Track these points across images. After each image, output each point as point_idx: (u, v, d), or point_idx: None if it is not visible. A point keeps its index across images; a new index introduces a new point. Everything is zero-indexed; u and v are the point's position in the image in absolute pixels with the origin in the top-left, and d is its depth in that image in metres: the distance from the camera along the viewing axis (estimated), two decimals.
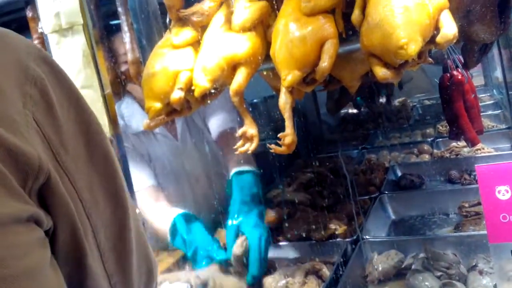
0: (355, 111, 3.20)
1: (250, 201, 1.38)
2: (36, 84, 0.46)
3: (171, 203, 1.54)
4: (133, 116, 1.58)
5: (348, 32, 1.04)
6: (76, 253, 0.47)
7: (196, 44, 1.12)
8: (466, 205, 1.43)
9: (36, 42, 1.15)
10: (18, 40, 0.49)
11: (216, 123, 1.65)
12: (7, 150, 0.40)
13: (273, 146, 1.09)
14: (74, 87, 0.52)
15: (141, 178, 1.53)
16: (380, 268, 1.24)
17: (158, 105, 1.10)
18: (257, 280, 1.28)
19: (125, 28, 1.14)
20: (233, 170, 1.46)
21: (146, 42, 1.15)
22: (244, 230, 1.30)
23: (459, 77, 1.60)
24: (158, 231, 1.47)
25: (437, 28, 0.90)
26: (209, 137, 1.70)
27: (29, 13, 1.14)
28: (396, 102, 3.24)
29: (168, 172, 1.64)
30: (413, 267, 1.20)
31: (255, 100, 2.82)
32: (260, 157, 1.73)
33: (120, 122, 1.57)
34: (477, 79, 2.95)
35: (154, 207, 1.51)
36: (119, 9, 1.12)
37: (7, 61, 0.46)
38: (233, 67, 1.07)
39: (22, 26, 1.26)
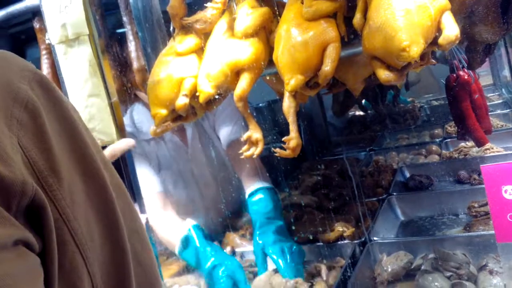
0: (362, 113, 3.20)
1: (266, 220, 1.41)
2: (27, 107, 0.44)
3: (180, 209, 1.55)
4: (144, 123, 1.60)
5: (350, 35, 1.05)
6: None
7: (199, 51, 1.14)
8: (476, 205, 1.42)
9: (43, 52, 1.18)
10: (13, 61, 0.48)
11: (226, 133, 1.67)
12: None
13: (278, 150, 1.10)
14: (71, 114, 0.50)
15: (149, 185, 1.55)
16: (389, 269, 1.23)
17: (163, 111, 1.11)
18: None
19: (130, 37, 1.16)
20: (248, 191, 1.50)
21: (151, 50, 1.17)
22: (267, 251, 1.34)
23: (466, 77, 1.59)
24: (164, 239, 1.48)
25: (439, 30, 0.90)
26: (218, 144, 1.72)
27: (36, 25, 1.16)
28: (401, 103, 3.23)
29: (177, 177, 1.66)
30: (422, 267, 1.19)
31: (260, 104, 2.83)
32: (266, 161, 1.74)
33: (131, 128, 1.60)
34: (486, 79, 2.92)
35: (162, 215, 1.52)
36: (124, 19, 1.14)
37: None
38: (237, 73, 1.09)
39: (30, 37, 1.29)
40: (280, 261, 1.29)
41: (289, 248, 1.32)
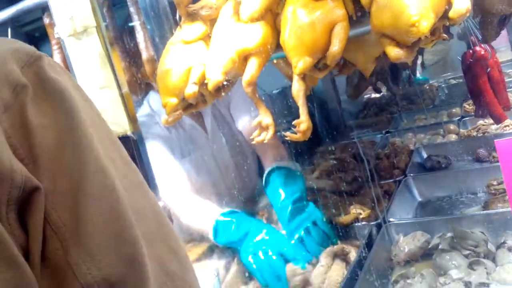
0: (377, 95, 3.14)
1: (283, 200, 1.39)
2: (15, 90, 0.42)
3: (204, 195, 1.57)
4: (162, 110, 1.62)
5: (358, 13, 1.03)
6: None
7: (207, 38, 1.14)
8: (495, 183, 1.39)
9: (55, 47, 1.20)
10: (13, 45, 0.45)
11: (243, 118, 1.68)
12: None
13: (288, 133, 1.10)
14: (75, 108, 0.44)
15: (174, 172, 1.57)
16: (406, 250, 1.23)
17: (174, 100, 1.13)
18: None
19: (138, 27, 1.17)
20: (266, 170, 1.50)
21: (159, 40, 1.18)
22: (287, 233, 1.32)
23: (482, 53, 1.54)
24: (194, 225, 1.46)
25: (449, 3, 0.87)
26: (235, 127, 1.74)
27: (46, 20, 1.18)
28: (420, 83, 3.15)
29: (198, 163, 1.68)
30: (440, 247, 1.18)
31: (274, 91, 2.81)
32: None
33: (152, 116, 1.61)
34: (505, 54, 2.81)
35: (191, 202, 1.51)
36: (131, 9, 1.15)
37: None
38: (244, 58, 1.08)
39: (44, 35, 1.31)
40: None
41: (306, 231, 1.30)
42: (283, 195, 1.40)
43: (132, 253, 0.42)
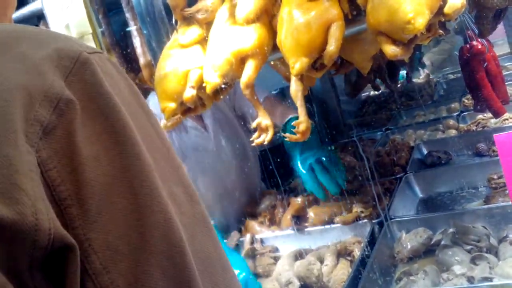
0: (376, 93, 3.14)
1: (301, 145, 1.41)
2: (58, 107, 0.32)
3: (206, 197, 1.57)
4: (161, 114, 1.62)
5: (353, 12, 1.03)
6: None
7: (203, 41, 1.14)
8: (495, 176, 1.39)
9: None
10: (50, 42, 0.35)
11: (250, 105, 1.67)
12: None
13: (287, 134, 1.10)
14: (132, 132, 0.35)
15: None
16: (408, 246, 1.23)
17: (172, 105, 1.13)
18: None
19: (134, 33, 1.18)
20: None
21: (155, 45, 1.18)
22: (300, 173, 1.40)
23: (479, 47, 1.54)
24: None
25: None
26: (239, 127, 1.74)
27: (42, 28, 1.19)
28: (419, 79, 3.16)
29: (200, 163, 1.68)
30: (442, 242, 1.18)
31: (272, 92, 2.81)
32: (280, 147, 1.74)
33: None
34: (502, 48, 2.81)
35: None
36: (127, 15, 1.15)
37: (16, 73, 0.32)
38: (242, 60, 1.09)
39: None
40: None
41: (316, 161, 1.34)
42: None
43: None
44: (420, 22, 0.84)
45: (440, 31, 0.92)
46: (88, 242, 0.31)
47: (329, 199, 1.50)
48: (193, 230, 0.38)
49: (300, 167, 1.39)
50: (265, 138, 1.15)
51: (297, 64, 1.00)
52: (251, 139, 1.19)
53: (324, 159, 1.38)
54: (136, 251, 0.32)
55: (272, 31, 1.10)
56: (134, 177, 0.34)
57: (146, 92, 1.57)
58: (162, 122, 1.21)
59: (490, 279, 0.98)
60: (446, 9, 0.85)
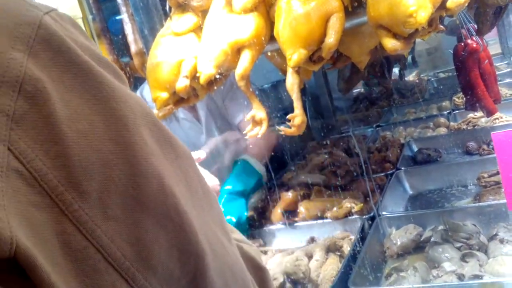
0: (368, 89, 3.15)
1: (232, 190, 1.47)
2: (23, 89, 0.28)
3: None
4: (152, 104, 1.60)
5: (354, 4, 1.01)
6: None
7: (198, 29, 1.11)
8: (485, 175, 1.40)
9: None
10: (7, 12, 0.30)
11: (240, 114, 1.68)
12: None
13: (283, 128, 1.08)
14: (110, 86, 0.32)
15: None
16: (398, 243, 1.23)
17: (164, 95, 1.10)
18: None
19: (126, 19, 1.14)
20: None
21: (148, 32, 1.15)
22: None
23: (474, 46, 1.54)
24: None
25: None
26: (232, 121, 1.73)
27: None
28: (410, 77, 3.17)
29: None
30: (432, 239, 1.18)
31: (265, 86, 2.79)
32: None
33: None
34: (494, 48, 2.84)
35: None
36: (119, 1, 1.12)
37: None
38: (237, 51, 1.06)
39: None
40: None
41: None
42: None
43: None
44: (423, 16, 0.83)
45: (441, 26, 0.91)
46: (91, 220, 0.30)
47: (322, 195, 1.50)
48: (197, 210, 0.38)
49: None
50: (259, 131, 1.13)
51: (295, 55, 0.98)
52: (244, 132, 1.16)
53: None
54: (135, 215, 0.32)
55: (270, 21, 1.07)
56: (124, 147, 0.32)
57: (136, 81, 1.53)
58: (154, 112, 1.18)
59: (480, 277, 0.99)
60: (449, 3, 0.83)
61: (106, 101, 0.32)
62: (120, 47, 1.24)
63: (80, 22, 0.93)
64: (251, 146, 1.60)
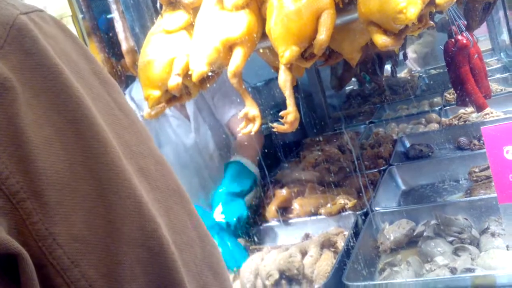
0: (360, 85, 3.17)
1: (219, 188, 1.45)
2: None
3: (186, 185, 1.58)
4: (143, 101, 1.59)
5: (345, 1, 1.01)
6: None
7: (190, 27, 1.11)
8: (476, 170, 1.41)
9: None
10: None
11: (227, 112, 1.67)
12: None
13: (275, 125, 1.08)
14: (75, 89, 0.30)
15: None
16: (392, 238, 1.24)
17: (156, 93, 1.09)
18: None
19: (117, 17, 1.13)
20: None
21: (139, 30, 1.14)
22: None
23: (464, 41, 1.56)
24: None
25: None
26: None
27: None
28: (402, 73, 3.20)
29: (181, 152, 1.66)
30: (424, 234, 1.19)
31: (258, 84, 2.79)
32: (267, 138, 1.73)
33: (133, 107, 1.59)
34: (484, 43, 2.87)
35: None
36: None
37: None
38: (229, 48, 1.06)
39: None
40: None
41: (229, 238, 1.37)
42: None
43: None
44: (412, 12, 0.83)
45: (431, 22, 0.92)
46: (52, 237, 0.27)
47: (316, 191, 1.51)
48: (168, 202, 0.35)
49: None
50: (252, 128, 1.13)
51: (287, 52, 0.98)
52: (238, 129, 1.16)
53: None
54: (106, 240, 0.28)
55: (261, 18, 1.07)
56: (94, 159, 0.29)
57: (129, 78, 1.52)
58: (145, 111, 1.17)
59: (472, 270, 1.00)
60: (439, 0, 0.84)
61: (76, 108, 0.29)
62: (110, 45, 1.23)
63: (69, 20, 0.93)
64: (241, 147, 1.59)
